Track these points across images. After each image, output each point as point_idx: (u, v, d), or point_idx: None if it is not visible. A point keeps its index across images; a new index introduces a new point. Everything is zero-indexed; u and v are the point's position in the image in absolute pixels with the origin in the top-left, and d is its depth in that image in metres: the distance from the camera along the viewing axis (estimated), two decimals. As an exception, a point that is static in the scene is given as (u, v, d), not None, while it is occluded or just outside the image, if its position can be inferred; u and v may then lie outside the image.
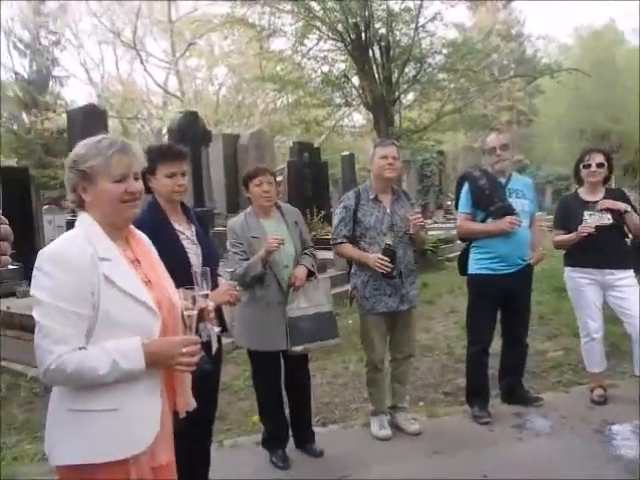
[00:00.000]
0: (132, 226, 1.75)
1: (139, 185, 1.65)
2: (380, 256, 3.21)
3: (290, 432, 3.32)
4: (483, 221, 3.60)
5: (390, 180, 3.45)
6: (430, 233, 10.46)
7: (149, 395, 1.61)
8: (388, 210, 3.42)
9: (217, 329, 2.14)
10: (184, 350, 1.59)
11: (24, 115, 24.89)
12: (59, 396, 1.58)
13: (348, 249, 3.42)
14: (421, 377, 4.64)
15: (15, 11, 27.11)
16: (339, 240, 3.44)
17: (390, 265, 3.21)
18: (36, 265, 1.51)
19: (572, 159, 4.39)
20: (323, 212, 11.01)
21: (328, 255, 8.06)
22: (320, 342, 3.17)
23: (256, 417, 3.68)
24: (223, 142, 10.78)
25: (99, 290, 1.52)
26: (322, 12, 9.72)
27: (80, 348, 1.49)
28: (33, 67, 26.35)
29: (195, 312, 1.69)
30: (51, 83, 26.20)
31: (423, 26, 10.28)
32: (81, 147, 1.64)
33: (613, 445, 3.16)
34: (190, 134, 9.22)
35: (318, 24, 10.06)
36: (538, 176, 24.47)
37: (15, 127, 24.77)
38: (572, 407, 3.68)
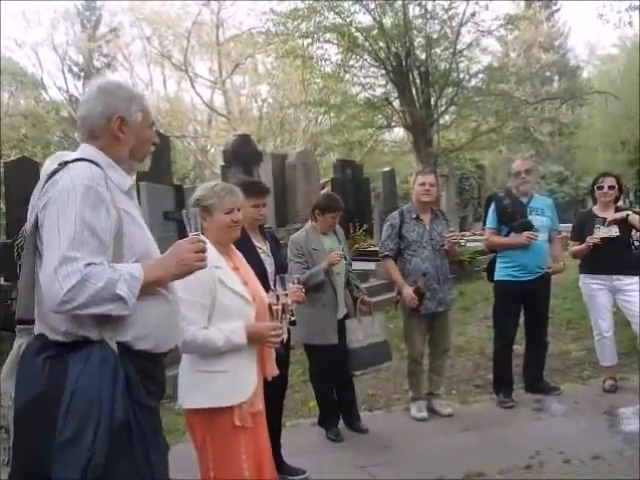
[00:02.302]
0: (231, 244, 2.49)
1: (240, 215, 2.39)
2: (412, 294, 3.88)
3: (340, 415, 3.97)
4: (507, 235, 4.22)
5: (427, 203, 4.12)
6: (469, 245, 10.97)
7: (249, 362, 2.31)
8: (427, 227, 4.09)
9: (292, 319, 2.83)
10: (272, 332, 2.30)
11: (77, 135, 26.48)
12: (189, 361, 2.30)
13: (392, 268, 4.09)
14: (455, 373, 5.21)
15: (70, 36, 28.91)
16: (386, 253, 4.13)
17: (418, 302, 3.88)
18: None
19: (613, 170, 4.96)
20: (365, 226, 11.61)
21: (370, 266, 8.71)
22: (374, 367, 3.94)
23: (312, 403, 4.38)
24: (272, 161, 11.58)
25: (215, 288, 2.23)
26: (365, 41, 10.41)
27: (204, 328, 2.21)
28: (86, 88, 28.11)
29: (280, 306, 2.41)
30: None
31: (461, 52, 10.84)
32: (202, 190, 2.40)
33: (616, 423, 3.73)
34: (243, 155, 10.06)
35: (360, 52, 10.75)
36: (579, 187, 24.43)
37: (67, 146, 26.41)
38: (586, 395, 4.25)
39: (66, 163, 1.61)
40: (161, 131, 15.54)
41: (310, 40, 11.06)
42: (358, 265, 4.19)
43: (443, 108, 11.37)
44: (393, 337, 5.61)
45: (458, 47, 10.90)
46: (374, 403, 4.58)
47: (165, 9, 28.77)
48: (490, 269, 4.40)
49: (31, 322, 1.67)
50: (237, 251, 2.53)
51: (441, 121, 12.01)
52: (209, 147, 30.63)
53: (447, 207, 14.66)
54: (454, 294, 5.15)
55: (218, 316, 2.23)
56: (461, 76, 11.11)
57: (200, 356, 2.25)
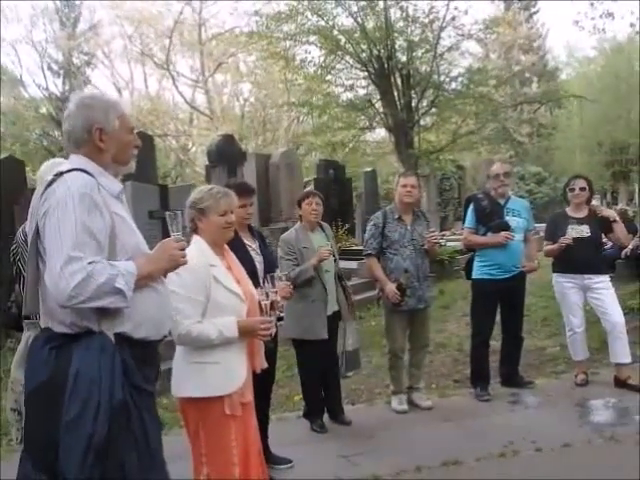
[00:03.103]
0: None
1: (233, 217, 2.52)
2: (395, 290, 4.05)
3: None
4: (484, 235, 4.40)
5: (409, 204, 4.28)
6: (449, 244, 11.19)
7: (239, 354, 2.45)
8: (409, 228, 4.25)
9: (281, 314, 2.96)
10: (262, 326, 2.43)
11: (56, 133, 26.22)
12: (183, 353, 2.43)
13: (375, 266, 4.26)
14: (435, 369, 5.40)
15: (49, 34, 28.59)
16: (369, 251, 4.29)
17: (400, 298, 4.06)
18: None
19: (590, 171, 5.20)
20: (347, 225, 11.77)
21: (352, 265, 8.87)
22: (357, 370, 4.25)
23: (297, 397, 4.52)
24: (256, 161, 11.67)
25: (210, 285, 2.37)
26: (347, 43, 10.56)
27: (198, 322, 2.33)
28: (66, 86, 27.83)
29: (268, 302, 2.54)
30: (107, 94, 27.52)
31: (441, 55, 11.05)
32: (198, 193, 2.53)
33: (586, 414, 3.95)
34: (227, 155, 10.16)
35: (343, 54, 10.89)
36: (557, 188, 24.94)
37: (47, 144, 26.13)
38: (559, 389, 4.46)
39: (61, 173, 1.77)
40: (142, 129, 15.54)
41: (293, 42, 11.17)
42: (341, 264, 4.34)
43: (424, 110, 11.58)
44: (376, 334, 5.79)
45: (438, 50, 11.11)
46: (356, 397, 4.73)
47: (146, 7, 28.58)
48: (468, 268, 4.58)
49: (36, 317, 1.84)
50: (230, 251, 2.66)
51: (422, 123, 12.23)
52: (190, 146, 30.53)
53: (428, 207, 14.87)
54: (434, 292, 5.32)
55: (212, 311, 2.36)
56: (441, 79, 11.33)
57: (193, 348, 2.39)
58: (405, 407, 4.23)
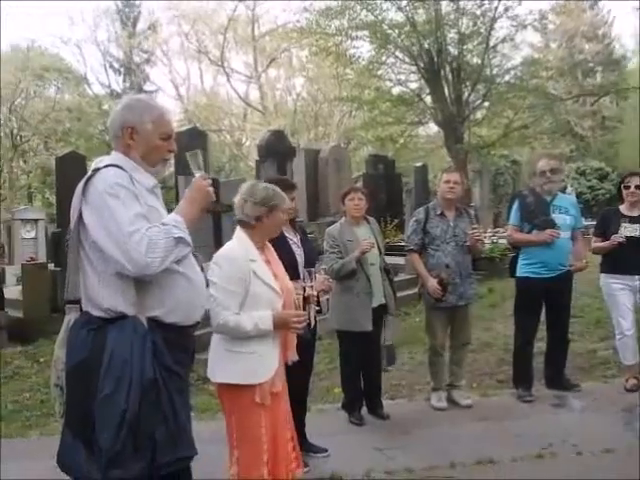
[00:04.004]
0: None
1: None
2: (436, 285, 4.04)
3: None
4: (529, 232, 4.31)
5: (451, 200, 4.26)
6: (501, 242, 10.93)
7: (272, 346, 2.53)
8: (451, 224, 4.23)
9: (317, 308, 3.04)
10: (295, 319, 2.51)
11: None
12: (219, 340, 2.53)
13: (416, 261, 4.27)
14: (478, 368, 5.32)
15: (111, 33, 29.77)
16: (411, 247, 4.30)
17: (441, 293, 4.04)
18: (213, 261, 2.49)
19: None
20: (396, 220, 11.72)
21: (400, 261, 8.84)
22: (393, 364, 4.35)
23: (337, 389, 4.59)
24: (305, 156, 11.80)
25: (249, 279, 2.46)
26: (397, 38, 10.47)
27: (236, 313, 2.43)
28: (126, 83, 28.90)
29: (301, 296, 2.61)
30: (156, 100, 28.47)
31: (494, 47, 10.78)
32: (263, 190, 2.60)
33: (632, 420, 3.80)
34: (277, 150, 10.31)
35: (393, 49, 10.81)
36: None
37: (108, 139, 27.20)
38: (606, 393, 4.32)
39: (98, 169, 1.93)
40: (197, 125, 15.99)
41: (343, 38, 11.17)
42: (389, 259, 4.37)
43: (475, 104, 11.32)
44: (419, 330, 5.77)
45: (491, 42, 10.82)
46: (396, 392, 4.75)
47: (202, 5, 29.25)
48: (512, 265, 4.51)
49: (77, 302, 1.99)
50: (270, 246, 2.75)
51: (472, 117, 11.96)
52: (244, 140, 31.10)
53: (480, 203, 14.56)
54: (478, 290, 5.26)
55: (249, 304, 2.45)
56: (494, 71, 11.03)
57: (229, 337, 2.49)
58: (444, 404, 4.22)
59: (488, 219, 14.83)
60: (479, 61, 10.80)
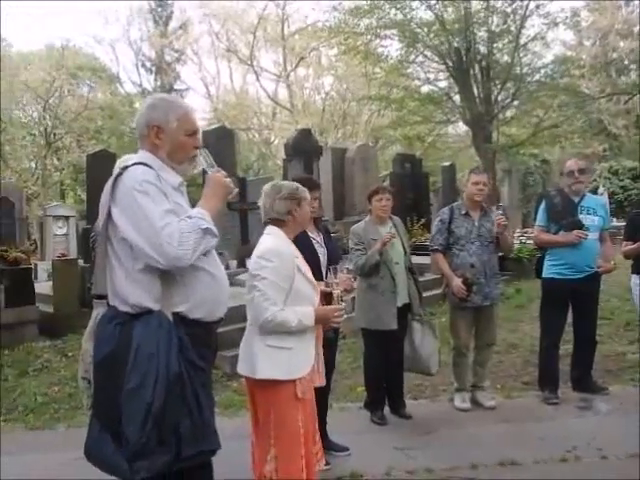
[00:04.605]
0: None
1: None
2: (461, 285, 4.02)
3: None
4: (556, 233, 4.25)
5: (479, 201, 4.22)
6: (529, 242, 10.77)
7: (310, 341, 2.56)
8: (476, 223, 4.20)
9: (343, 305, 3.04)
10: (336, 314, 2.55)
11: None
12: (258, 336, 2.51)
13: (441, 261, 4.25)
14: (503, 369, 5.26)
15: (144, 32, 30.26)
16: (435, 247, 4.29)
17: (466, 293, 4.02)
18: (259, 255, 2.50)
19: None
20: (423, 220, 11.63)
21: (426, 261, 8.79)
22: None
23: (360, 388, 4.60)
24: (332, 155, 11.81)
25: (294, 274, 2.49)
26: (426, 36, 10.39)
27: (281, 309, 2.44)
28: (158, 82, 29.33)
29: (338, 292, 2.64)
30: (179, 98, 28.82)
31: (524, 45, 10.61)
32: (289, 186, 2.67)
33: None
34: (304, 149, 10.34)
35: (422, 47, 10.74)
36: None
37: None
38: (634, 397, 4.22)
39: (126, 167, 1.97)
40: (226, 124, 16.18)
41: (372, 36, 11.14)
42: (415, 259, 4.36)
43: (504, 103, 11.15)
44: (445, 331, 5.72)
45: (521, 41, 10.64)
46: (419, 393, 4.72)
47: (232, 4, 29.49)
48: (538, 266, 4.45)
49: (105, 297, 2.05)
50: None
51: (501, 116, 11.79)
52: (272, 139, 31.24)
53: (509, 203, 14.35)
54: (502, 290, 5.19)
55: (292, 299, 2.48)
56: (524, 70, 10.85)
57: (269, 332, 2.49)
58: (467, 405, 4.20)
59: (516, 219, 14.61)
60: (509, 59, 10.64)
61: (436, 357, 4.05)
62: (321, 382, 2.64)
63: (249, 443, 2.65)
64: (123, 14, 45.29)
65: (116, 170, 2.02)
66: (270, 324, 2.44)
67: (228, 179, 2.14)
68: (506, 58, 10.76)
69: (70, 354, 6.31)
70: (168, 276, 1.94)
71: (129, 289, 1.95)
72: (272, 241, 2.58)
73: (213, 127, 10.41)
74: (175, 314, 1.94)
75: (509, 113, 11.97)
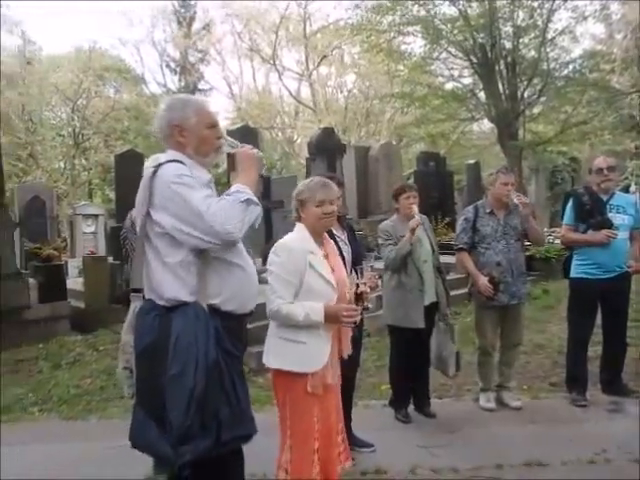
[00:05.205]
0: (325, 233, 2.76)
1: (332, 208, 2.63)
2: (487, 284, 3.99)
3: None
4: (584, 232, 4.19)
5: (506, 201, 4.17)
6: (557, 242, 10.61)
7: (324, 338, 2.57)
8: (502, 222, 4.16)
9: (367, 304, 3.05)
10: (345, 313, 2.53)
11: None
12: (275, 328, 2.60)
13: (466, 259, 4.21)
14: (530, 370, 5.21)
15: (168, 33, 30.62)
16: (460, 245, 4.26)
17: (493, 292, 3.98)
18: (272, 250, 2.57)
19: None
20: (447, 219, 11.54)
21: (451, 260, 8.73)
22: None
23: (384, 386, 4.60)
24: (356, 153, 11.80)
25: (305, 270, 2.51)
26: (450, 33, 10.29)
27: (290, 302, 2.49)
28: (182, 82, 29.63)
29: (352, 292, 2.64)
30: (197, 96, 29.17)
31: (552, 40, 10.41)
32: (300, 185, 2.70)
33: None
34: (327, 147, 10.37)
35: (445, 44, 10.64)
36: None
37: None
38: (665, 400, 4.12)
39: (160, 164, 2.05)
40: (249, 123, 16.27)
41: (394, 34, 11.07)
42: (440, 258, 4.34)
43: (530, 100, 10.96)
44: (470, 330, 5.69)
45: (548, 35, 10.43)
46: (444, 392, 4.70)
47: (254, 5, 29.64)
48: (566, 266, 4.39)
49: (141, 290, 2.13)
50: (330, 241, 2.80)
51: (527, 113, 11.59)
52: (295, 138, 31.33)
53: (536, 201, 14.14)
54: (529, 289, 5.13)
55: (304, 295, 2.51)
56: (551, 65, 10.64)
57: (284, 325, 2.55)
58: (493, 405, 4.17)
59: (544, 218, 14.40)
60: (536, 55, 10.44)
61: (453, 360, 4.02)
62: (334, 380, 2.65)
63: (273, 437, 2.68)
64: (147, 15, 45.88)
65: (149, 169, 2.07)
66: (276, 315, 2.50)
67: (255, 150, 2.20)
68: (533, 53, 10.58)
69: (101, 348, 6.48)
70: (202, 270, 2.00)
71: (166, 284, 2.02)
72: (287, 237, 2.64)
73: (237, 126, 10.49)
74: (209, 306, 2.01)
75: (536, 110, 11.75)
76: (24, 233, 11.47)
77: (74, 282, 8.84)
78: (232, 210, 1.95)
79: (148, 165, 2.14)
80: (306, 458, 2.49)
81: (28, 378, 5.77)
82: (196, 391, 1.87)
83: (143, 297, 2.11)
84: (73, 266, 11.48)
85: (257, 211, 2.04)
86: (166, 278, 2.02)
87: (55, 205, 17.02)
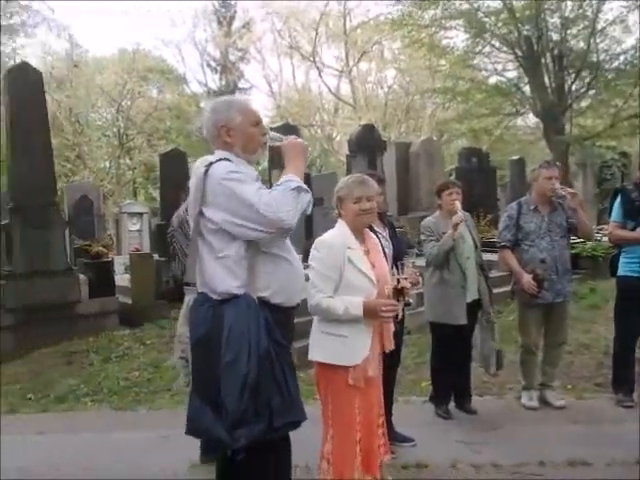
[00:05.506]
0: (367, 229, 2.80)
1: (370, 204, 2.67)
2: (531, 281, 3.94)
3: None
4: (633, 229, 4.08)
5: (551, 197, 4.11)
6: (604, 239, 10.28)
7: (365, 332, 2.62)
8: (546, 218, 4.10)
9: (409, 300, 3.07)
10: (383, 308, 2.57)
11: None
12: (317, 323, 2.68)
13: (509, 257, 4.16)
14: (575, 370, 5.10)
15: (208, 33, 31.09)
16: (503, 243, 4.21)
17: (537, 289, 3.93)
18: (313, 246, 2.65)
19: None
20: (490, 216, 11.33)
21: (494, 257, 8.60)
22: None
23: (424, 383, 4.61)
24: (396, 150, 11.74)
25: (344, 265, 2.57)
26: (494, 25, 10.09)
27: (329, 297, 2.55)
28: (222, 81, 30.05)
29: (391, 287, 2.68)
30: (237, 94, 29.30)
31: (602, 30, 10.05)
32: (339, 182, 2.77)
33: None
34: (367, 144, 10.37)
35: (489, 37, 10.44)
36: None
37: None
38: None
39: (211, 163, 2.13)
40: (289, 121, 16.40)
41: (436, 28, 10.93)
42: (483, 256, 4.31)
43: (578, 93, 10.61)
44: (512, 329, 5.61)
45: (598, 26, 10.07)
46: (486, 390, 4.67)
47: (294, 2, 29.76)
48: (613, 264, 4.28)
49: (193, 284, 2.24)
50: (373, 237, 2.84)
51: (575, 107, 11.22)
52: (335, 135, 31.35)
53: (583, 198, 13.67)
54: (575, 287, 5.01)
55: (344, 290, 2.57)
56: (601, 57, 10.26)
57: (326, 320, 2.63)
58: (535, 403, 4.12)
59: (592, 215, 13.95)
60: (584, 46, 10.09)
61: (494, 358, 3.99)
62: (375, 373, 2.69)
63: (316, 429, 2.75)
64: (189, 16, 46.68)
65: (200, 169, 2.16)
66: (316, 309, 2.57)
67: (300, 140, 2.29)
68: (581, 45, 10.22)
69: (148, 342, 6.70)
70: (252, 264, 2.09)
71: (217, 278, 2.10)
72: (327, 234, 2.70)
73: (277, 125, 10.60)
74: (259, 299, 2.10)
75: (584, 103, 11.34)
76: (73, 231, 11.89)
77: (121, 278, 9.09)
78: (284, 199, 2.03)
79: (198, 165, 2.24)
80: (348, 448, 2.55)
81: (80, 370, 6.03)
82: (249, 378, 1.96)
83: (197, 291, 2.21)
84: (119, 263, 11.86)
85: (308, 198, 2.12)
86: (219, 272, 2.10)
87: (102, 204, 17.61)
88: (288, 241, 2.25)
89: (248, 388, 1.96)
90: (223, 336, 2.01)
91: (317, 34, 29.12)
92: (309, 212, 2.18)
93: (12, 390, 5.52)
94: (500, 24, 10.12)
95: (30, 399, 5.31)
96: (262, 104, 32.03)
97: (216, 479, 2.30)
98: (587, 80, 10.44)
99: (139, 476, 3.25)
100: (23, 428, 4.29)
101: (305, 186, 2.11)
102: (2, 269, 7.57)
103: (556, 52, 10.20)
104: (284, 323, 2.19)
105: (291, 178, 2.11)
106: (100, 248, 8.66)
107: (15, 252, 7.21)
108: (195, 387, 2.17)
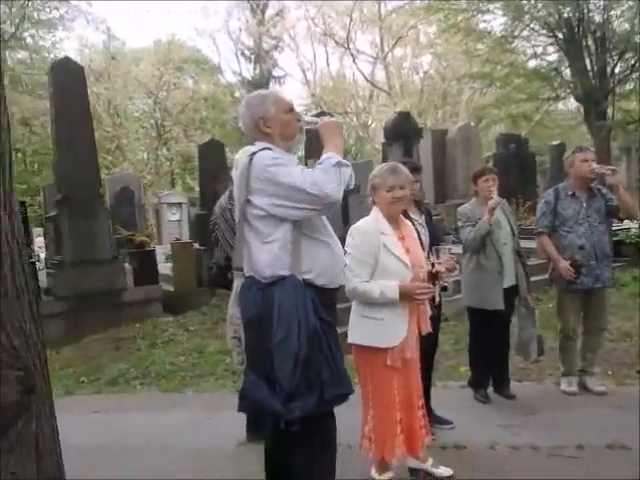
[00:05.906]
0: (402, 216, 2.88)
1: (402, 192, 2.75)
2: (569, 267, 3.94)
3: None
4: (677, 215, 4.01)
5: (588, 180, 4.08)
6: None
7: (402, 315, 2.71)
8: (584, 204, 4.08)
9: (443, 284, 3.14)
10: (418, 291, 2.65)
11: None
12: (356, 307, 2.80)
13: (547, 243, 4.17)
14: (616, 357, 5.04)
15: (242, 22, 31.17)
16: (540, 229, 4.22)
17: (574, 275, 3.94)
18: (349, 233, 2.76)
19: None
20: (529, 202, 11.13)
21: (532, 245, 8.49)
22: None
23: (462, 368, 4.65)
24: (432, 137, 11.65)
25: (379, 251, 2.67)
26: (533, 8, 9.86)
27: (366, 281, 2.65)
28: (256, 70, 30.16)
29: (425, 271, 2.76)
30: (272, 83, 29.37)
31: (648, 9, 9.69)
32: (374, 171, 2.87)
33: None
34: (403, 132, 10.34)
35: (528, 20, 10.20)
36: None
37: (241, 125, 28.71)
38: None
39: (254, 153, 2.24)
40: (324, 109, 16.38)
41: (474, 12, 10.73)
42: (521, 243, 4.32)
43: (621, 76, 10.27)
44: (551, 316, 5.59)
45: (644, 5, 9.73)
46: (525, 376, 4.69)
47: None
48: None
49: (241, 269, 2.36)
50: (408, 223, 2.92)
51: (618, 90, 10.87)
52: (370, 122, 31.17)
53: (627, 184, 13.29)
54: (614, 274, 4.94)
55: (380, 274, 2.68)
56: (646, 38, 9.91)
57: (364, 304, 2.74)
58: (575, 389, 4.13)
59: (635, 202, 13.52)
60: (628, 27, 9.74)
61: (535, 344, 4.01)
62: (413, 355, 2.77)
63: (357, 411, 2.85)
64: (222, 5, 46.88)
65: (244, 158, 2.28)
66: (354, 293, 2.67)
67: (334, 118, 2.41)
68: (625, 26, 9.87)
69: (191, 328, 6.95)
70: (296, 248, 2.20)
71: (264, 263, 2.21)
72: (362, 220, 2.80)
73: (312, 113, 10.66)
74: (304, 280, 2.22)
75: (628, 87, 10.96)
76: (115, 222, 12.28)
77: (163, 267, 9.39)
78: (327, 175, 2.14)
79: (241, 156, 2.35)
80: (388, 427, 2.66)
81: (129, 355, 6.32)
82: (301, 354, 2.08)
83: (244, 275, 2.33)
84: (160, 252, 12.20)
85: (349, 171, 2.22)
86: (265, 257, 2.21)
87: (142, 195, 18.04)
88: (329, 226, 2.36)
89: (300, 363, 2.07)
90: (274, 315, 2.12)
91: (351, 20, 28.89)
92: (351, 186, 2.29)
93: (66, 374, 5.84)
94: (539, 6, 9.87)
95: (83, 382, 5.61)
96: (296, 92, 32.13)
97: (265, 454, 2.43)
98: (631, 62, 10.08)
99: (188, 453, 3.43)
100: (79, 408, 4.56)
101: (345, 161, 2.21)
102: (52, 259, 7.92)
103: (598, 34, 9.87)
104: (328, 303, 2.31)
105: (330, 155, 2.21)
106: (144, 238, 8.94)
107: (64, 242, 7.53)
108: (250, 364, 2.30)
